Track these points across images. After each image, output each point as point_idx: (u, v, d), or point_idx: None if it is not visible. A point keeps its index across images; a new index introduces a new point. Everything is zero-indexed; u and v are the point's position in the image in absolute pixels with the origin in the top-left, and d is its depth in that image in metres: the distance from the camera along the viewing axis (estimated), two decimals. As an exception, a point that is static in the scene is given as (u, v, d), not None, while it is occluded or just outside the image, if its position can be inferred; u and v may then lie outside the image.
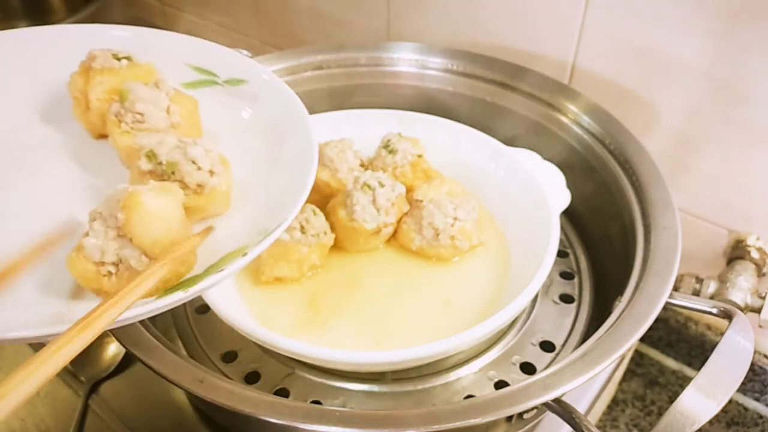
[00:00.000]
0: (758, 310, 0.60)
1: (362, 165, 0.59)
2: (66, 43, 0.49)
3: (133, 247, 0.35)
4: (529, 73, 0.66)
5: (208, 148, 0.40)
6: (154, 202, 0.35)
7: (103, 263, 0.35)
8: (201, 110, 0.47)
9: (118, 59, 0.45)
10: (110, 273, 0.35)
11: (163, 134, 0.42)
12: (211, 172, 0.40)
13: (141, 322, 0.44)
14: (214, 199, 0.40)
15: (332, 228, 0.53)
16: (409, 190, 0.56)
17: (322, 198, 0.57)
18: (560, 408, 0.38)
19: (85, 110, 0.45)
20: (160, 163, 0.39)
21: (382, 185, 0.52)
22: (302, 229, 0.50)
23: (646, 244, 0.49)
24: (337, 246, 0.54)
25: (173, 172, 0.39)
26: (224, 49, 0.51)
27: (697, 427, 0.37)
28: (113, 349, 0.60)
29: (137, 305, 0.33)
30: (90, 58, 0.45)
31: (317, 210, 0.52)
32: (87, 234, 0.35)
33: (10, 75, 0.48)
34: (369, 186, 0.52)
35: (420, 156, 0.58)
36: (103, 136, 0.46)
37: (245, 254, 0.36)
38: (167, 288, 0.35)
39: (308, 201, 0.56)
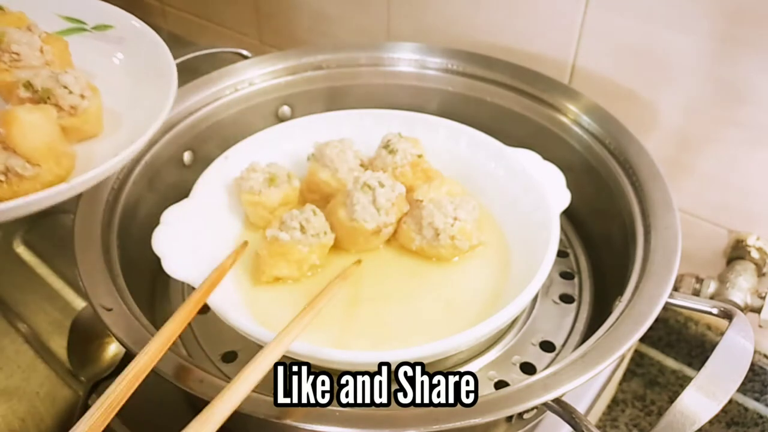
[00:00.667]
0: (758, 310, 0.60)
1: (362, 165, 0.59)
2: None
3: (18, 157, 0.40)
4: (529, 73, 0.66)
5: (77, 76, 0.47)
6: (29, 115, 0.41)
7: None
8: (73, 55, 0.52)
9: None
10: (1, 181, 0.40)
11: (39, 69, 0.48)
12: (82, 96, 0.46)
13: (141, 322, 0.44)
14: (86, 120, 0.47)
15: (332, 228, 0.53)
16: (409, 190, 0.56)
17: (322, 198, 0.57)
18: (560, 408, 0.38)
19: None
20: (36, 91, 0.45)
21: (382, 185, 0.52)
22: (302, 229, 0.50)
23: (646, 244, 0.49)
24: (337, 246, 0.54)
25: (48, 97, 0.45)
26: None
27: (697, 427, 0.37)
28: (113, 349, 0.60)
29: (23, 199, 0.38)
30: None
31: (317, 210, 0.52)
32: None
33: None
34: (369, 186, 0.52)
35: (420, 156, 0.58)
36: None
37: (116, 155, 0.42)
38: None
39: (308, 200, 0.56)
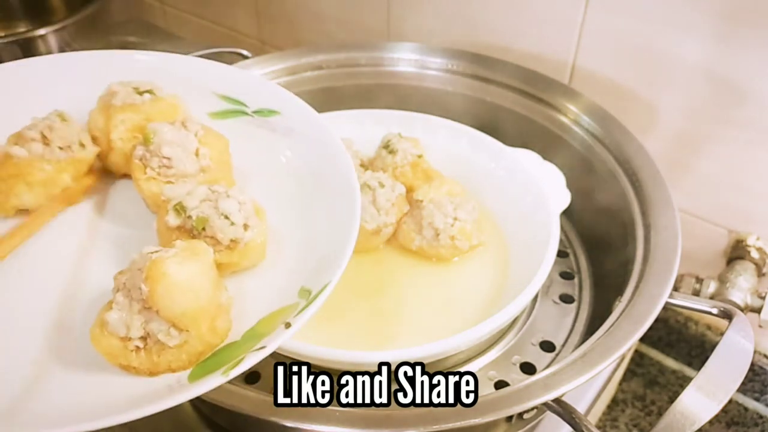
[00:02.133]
0: (758, 310, 0.60)
1: (362, 165, 0.59)
2: (84, 71, 0.45)
3: (161, 320, 0.32)
4: (529, 73, 0.66)
5: (241, 201, 0.37)
6: (180, 271, 0.32)
7: (129, 338, 0.32)
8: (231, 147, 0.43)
9: (140, 93, 0.42)
10: (138, 348, 0.32)
11: (192, 182, 0.39)
12: (246, 226, 0.36)
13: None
14: (248, 254, 0.37)
15: None
16: (409, 190, 0.56)
17: None
18: (560, 408, 0.38)
19: (107, 151, 0.42)
20: (190, 217, 0.36)
21: (382, 185, 0.52)
22: (44, 140, 0.39)
23: (646, 244, 0.49)
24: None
25: (204, 228, 0.36)
26: (253, 77, 0.48)
27: (697, 427, 0.37)
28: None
29: (165, 396, 0.30)
30: (110, 93, 0.42)
31: (66, 115, 0.41)
32: (110, 307, 0.32)
33: (21, 111, 0.41)
34: (369, 186, 0.52)
35: (420, 156, 0.58)
36: (126, 176, 0.43)
37: (288, 325, 0.33)
38: (201, 362, 0.33)
39: None
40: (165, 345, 0.32)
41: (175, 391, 0.31)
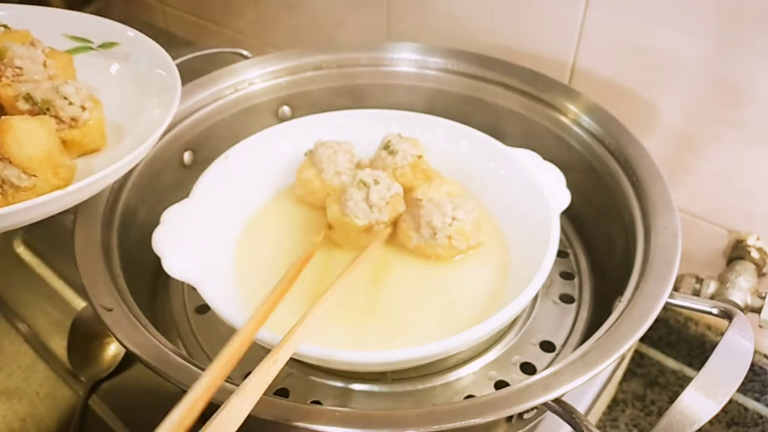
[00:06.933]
0: (758, 310, 0.60)
1: (360, 166, 0.59)
2: None
3: (13, 167, 0.40)
4: (529, 73, 0.66)
5: (78, 87, 0.46)
6: (25, 123, 0.41)
7: None
8: (78, 72, 0.52)
9: None
10: None
11: (41, 83, 0.47)
12: (83, 108, 0.46)
13: (141, 322, 0.44)
14: (87, 132, 0.46)
15: (329, 224, 0.53)
16: (409, 190, 0.56)
17: (307, 193, 0.58)
18: (560, 408, 0.38)
19: None
20: (36, 103, 0.45)
21: (377, 183, 0.52)
22: None
23: (646, 244, 0.49)
24: (332, 241, 0.54)
25: (48, 109, 0.45)
26: (97, 18, 0.57)
27: (697, 427, 0.37)
28: (113, 349, 0.60)
29: (14, 207, 0.37)
30: None
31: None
32: None
33: None
34: (364, 183, 0.52)
35: (420, 157, 0.58)
36: None
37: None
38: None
39: (297, 196, 0.58)
40: (18, 187, 0.40)
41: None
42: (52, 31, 0.55)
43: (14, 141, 0.40)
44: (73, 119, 0.45)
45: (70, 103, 0.45)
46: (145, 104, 0.51)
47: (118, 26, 0.56)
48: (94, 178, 0.41)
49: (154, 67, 0.53)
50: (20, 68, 0.47)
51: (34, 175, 0.40)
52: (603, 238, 0.61)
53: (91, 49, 0.56)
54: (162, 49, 0.54)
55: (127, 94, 0.53)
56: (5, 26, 0.51)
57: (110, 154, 0.48)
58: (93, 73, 0.53)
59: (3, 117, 0.41)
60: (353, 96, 0.71)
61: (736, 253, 0.66)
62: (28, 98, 0.45)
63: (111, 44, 0.56)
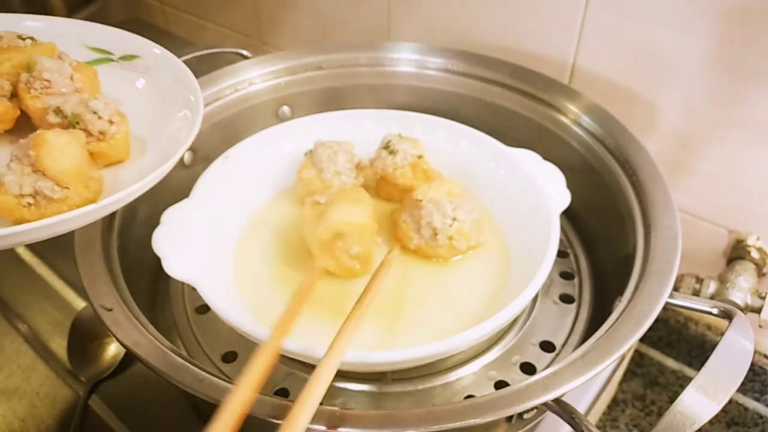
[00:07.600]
0: (758, 310, 0.60)
1: (360, 167, 0.59)
2: None
3: (47, 179, 0.41)
4: (529, 73, 0.66)
5: (106, 102, 0.47)
6: (58, 138, 0.42)
7: (22, 195, 0.41)
8: (101, 84, 0.53)
9: (23, 39, 0.51)
10: (29, 204, 0.41)
11: (69, 96, 0.48)
12: (111, 122, 0.47)
13: (141, 322, 0.44)
14: (114, 145, 0.48)
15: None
16: (409, 190, 0.56)
17: (307, 193, 0.58)
18: (560, 408, 0.38)
19: None
20: (66, 116, 0.46)
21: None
22: None
23: (646, 244, 0.49)
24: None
25: (78, 122, 0.46)
26: (117, 30, 0.58)
27: (697, 427, 0.37)
28: (113, 349, 0.60)
29: (51, 220, 0.38)
30: None
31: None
32: (5, 173, 0.41)
33: None
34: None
35: (420, 157, 0.58)
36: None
37: (142, 179, 0.43)
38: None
39: (297, 195, 0.58)
40: (51, 199, 0.41)
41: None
42: (72, 42, 0.56)
43: (48, 155, 0.41)
44: (101, 133, 0.47)
45: (99, 117, 0.47)
46: (168, 119, 0.52)
47: (144, 41, 0.57)
48: (125, 193, 0.42)
49: (177, 84, 0.54)
50: (48, 81, 0.48)
51: (67, 188, 0.42)
52: (603, 238, 0.61)
53: (112, 60, 0.58)
54: (186, 68, 0.55)
55: (148, 108, 0.54)
56: (32, 38, 0.52)
57: (134, 166, 0.49)
58: (115, 85, 0.55)
59: (38, 131, 0.42)
60: (353, 96, 0.71)
61: (736, 253, 0.66)
62: (58, 112, 0.47)
63: (132, 57, 0.57)
